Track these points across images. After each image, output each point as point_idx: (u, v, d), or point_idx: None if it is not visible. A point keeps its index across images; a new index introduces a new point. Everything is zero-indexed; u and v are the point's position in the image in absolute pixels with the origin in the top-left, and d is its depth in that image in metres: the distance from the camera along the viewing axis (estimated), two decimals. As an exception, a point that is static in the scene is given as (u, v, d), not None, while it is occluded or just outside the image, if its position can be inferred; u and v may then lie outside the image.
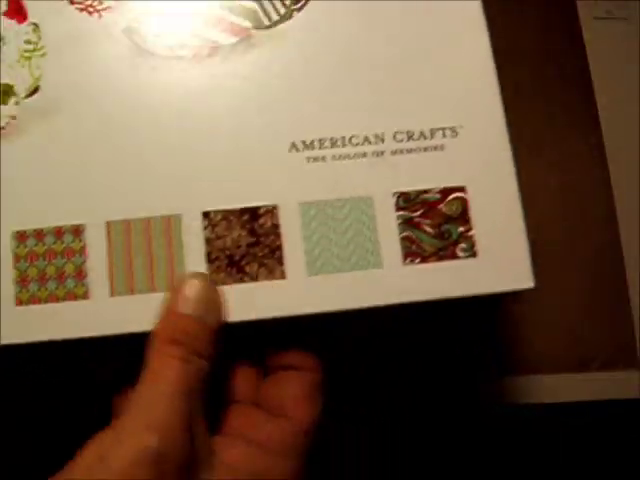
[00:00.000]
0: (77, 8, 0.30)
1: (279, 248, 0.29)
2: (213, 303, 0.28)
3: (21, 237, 0.28)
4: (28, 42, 0.30)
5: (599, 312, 0.45)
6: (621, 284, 0.46)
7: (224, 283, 0.28)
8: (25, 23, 0.30)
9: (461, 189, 0.29)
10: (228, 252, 0.28)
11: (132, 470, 0.24)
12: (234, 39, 0.30)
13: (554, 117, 0.48)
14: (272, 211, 0.29)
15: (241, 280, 0.28)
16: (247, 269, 0.28)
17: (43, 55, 0.30)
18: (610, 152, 0.48)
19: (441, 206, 0.29)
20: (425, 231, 0.29)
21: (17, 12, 0.30)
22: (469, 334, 0.44)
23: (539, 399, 0.44)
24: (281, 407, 0.29)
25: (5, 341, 0.28)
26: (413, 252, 0.29)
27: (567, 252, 0.46)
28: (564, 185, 0.47)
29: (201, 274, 0.28)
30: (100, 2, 0.30)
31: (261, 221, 0.29)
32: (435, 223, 0.29)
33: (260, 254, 0.29)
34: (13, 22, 0.30)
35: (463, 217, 0.29)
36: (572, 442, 0.44)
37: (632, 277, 0.46)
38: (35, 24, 0.30)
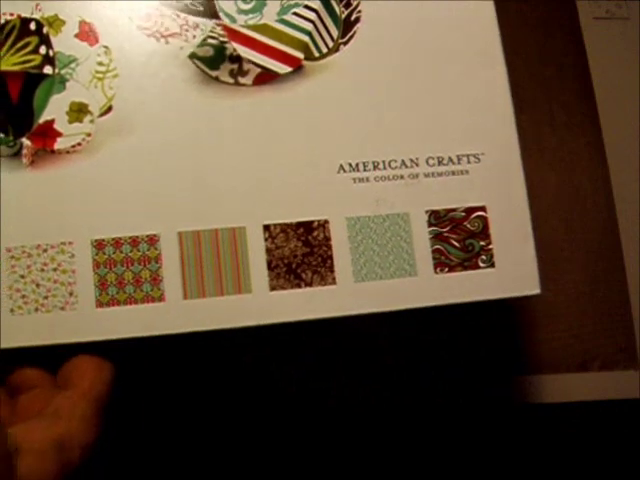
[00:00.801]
0: (145, 33, 0.33)
1: (330, 258, 0.33)
2: None
3: (100, 245, 0.32)
4: (100, 64, 0.32)
5: (599, 312, 0.47)
6: (621, 284, 0.47)
7: (283, 288, 0.32)
8: (97, 45, 0.33)
9: (482, 208, 0.34)
10: (286, 261, 0.33)
11: None
12: (289, 69, 0.34)
13: (554, 117, 0.50)
14: (324, 225, 0.33)
15: (298, 285, 0.32)
16: (303, 276, 0.33)
17: (115, 76, 0.33)
18: (610, 152, 0.49)
19: (466, 223, 0.34)
20: (452, 244, 0.34)
21: (88, 35, 0.33)
22: (468, 337, 0.47)
23: (539, 399, 0.46)
24: (71, 380, 0.31)
25: (87, 339, 0.31)
26: (442, 262, 0.34)
27: (567, 252, 0.48)
28: (564, 185, 0.49)
29: None
30: (166, 29, 0.33)
31: (314, 234, 0.33)
32: (460, 238, 0.34)
33: (314, 263, 0.33)
34: (85, 44, 0.33)
35: (484, 233, 0.34)
36: (572, 442, 0.46)
37: (632, 277, 0.47)
38: (106, 47, 0.33)
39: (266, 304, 0.32)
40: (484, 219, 0.34)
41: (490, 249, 0.34)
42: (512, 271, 0.34)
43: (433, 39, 0.35)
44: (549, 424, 0.46)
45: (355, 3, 0.35)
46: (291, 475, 0.44)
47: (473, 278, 0.34)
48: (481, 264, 0.34)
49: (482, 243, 0.34)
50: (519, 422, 0.46)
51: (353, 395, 0.45)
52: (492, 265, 0.34)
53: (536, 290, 0.34)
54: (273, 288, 0.32)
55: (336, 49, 0.35)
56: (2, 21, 0.32)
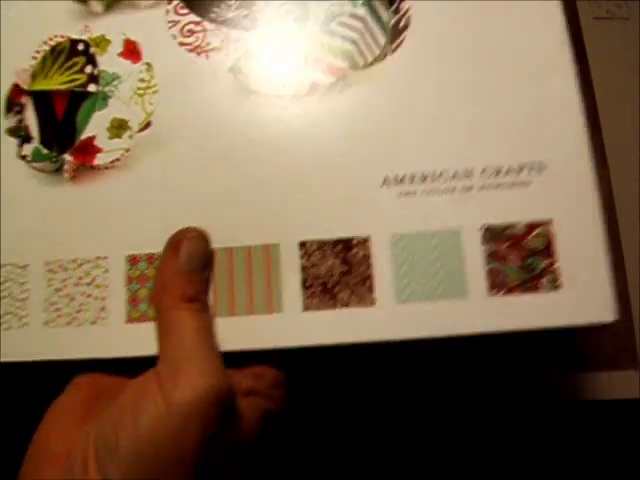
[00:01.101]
0: (186, 49, 0.33)
1: (370, 277, 0.30)
2: (209, 256, 0.30)
3: (133, 260, 0.31)
4: (142, 80, 0.33)
5: (599, 312, 0.45)
6: (621, 284, 0.46)
7: (317, 308, 0.30)
8: (139, 63, 0.33)
9: (546, 223, 0.30)
10: (322, 280, 0.30)
11: (199, 409, 0.26)
12: (332, 78, 0.32)
13: (554, 117, 0.48)
14: (364, 242, 0.31)
15: (333, 306, 0.30)
16: (339, 296, 0.30)
17: (155, 92, 0.32)
18: (610, 152, 0.48)
19: (526, 240, 0.30)
20: (510, 264, 0.30)
21: (132, 53, 0.33)
22: (466, 339, 0.45)
23: (539, 399, 0.45)
24: None
25: (116, 355, 0.30)
26: (498, 284, 0.30)
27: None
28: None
29: (193, 229, 0.30)
30: (207, 44, 0.33)
31: (354, 251, 0.31)
32: (520, 256, 0.30)
33: (352, 282, 0.30)
34: (128, 62, 0.33)
35: (548, 251, 0.30)
36: (572, 442, 0.44)
37: (632, 277, 0.46)
38: (148, 63, 0.33)
39: (298, 325, 0.30)
40: (548, 235, 0.30)
41: (555, 269, 0.30)
42: (581, 295, 0.30)
43: (491, 40, 0.32)
44: (549, 424, 0.44)
45: (405, 8, 0.33)
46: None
47: (534, 302, 0.30)
48: (544, 286, 0.30)
49: (545, 262, 0.30)
50: (518, 423, 0.44)
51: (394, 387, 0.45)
52: (557, 287, 0.30)
53: (610, 317, 0.30)
54: (307, 308, 0.30)
55: (383, 57, 0.32)
56: (54, 43, 0.33)
